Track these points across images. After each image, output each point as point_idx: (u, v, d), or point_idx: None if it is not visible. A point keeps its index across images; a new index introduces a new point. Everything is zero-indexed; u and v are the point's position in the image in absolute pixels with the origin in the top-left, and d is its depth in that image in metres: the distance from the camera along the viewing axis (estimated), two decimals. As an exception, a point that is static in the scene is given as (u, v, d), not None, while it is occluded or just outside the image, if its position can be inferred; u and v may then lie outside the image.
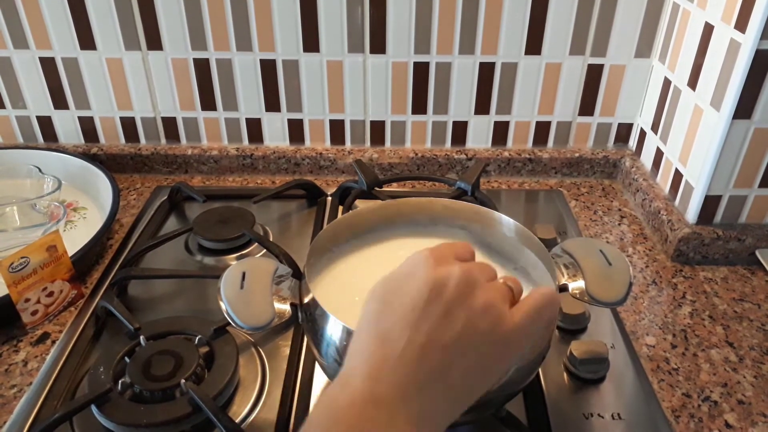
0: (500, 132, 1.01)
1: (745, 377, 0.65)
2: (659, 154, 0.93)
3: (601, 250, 0.56)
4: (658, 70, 0.93)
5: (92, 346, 0.67)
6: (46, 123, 1.01)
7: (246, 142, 1.02)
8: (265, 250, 0.80)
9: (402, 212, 0.65)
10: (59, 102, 0.98)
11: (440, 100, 0.97)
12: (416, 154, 1.01)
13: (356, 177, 0.90)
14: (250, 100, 0.98)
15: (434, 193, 0.96)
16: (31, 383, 0.63)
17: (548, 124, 1.00)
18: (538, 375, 0.63)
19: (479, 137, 1.01)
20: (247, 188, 0.99)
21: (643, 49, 0.94)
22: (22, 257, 0.67)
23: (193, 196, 0.90)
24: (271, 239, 0.84)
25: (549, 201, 0.96)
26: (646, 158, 0.97)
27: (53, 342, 0.68)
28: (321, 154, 1.01)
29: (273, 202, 0.92)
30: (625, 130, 1.02)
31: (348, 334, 0.48)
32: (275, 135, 1.01)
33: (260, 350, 0.66)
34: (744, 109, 0.73)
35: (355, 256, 0.62)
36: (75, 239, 0.78)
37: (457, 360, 0.37)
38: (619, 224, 0.91)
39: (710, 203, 0.81)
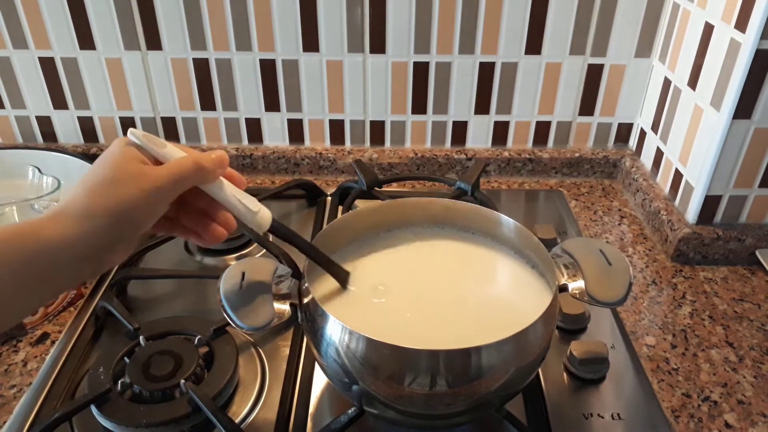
0: (500, 132, 1.01)
1: (745, 377, 0.65)
2: (659, 154, 0.93)
3: (601, 250, 0.56)
4: (658, 70, 0.93)
5: (92, 347, 0.67)
6: (45, 123, 1.01)
7: (245, 142, 1.02)
8: (264, 250, 0.80)
9: (402, 213, 0.65)
10: (59, 102, 0.98)
11: (440, 100, 0.97)
12: (416, 154, 1.01)
13: (356, 177, 0.90)
14: (249, 100, 0.98)
15: (434, 194, 0.95)
16: (30, 383, 0.62)
17: (548, 124, 1.00)
18: (538, 375, 0.63)
19: (479, 137, 1.01)
20: (246, 188, 0.98)
21: (643, 48, 0.93)
22: (21, 257, 0.66)
23: (192, 196, 0.90)
24: (270, 239, 0.84)
25: (549, 201, 0.96)
26: (646, 158, 0.97)
27: (53, 342, 0.68)
28: (321, 154, 1.01)
29: (272, 202, 0.92)
30: (625, 130, 1.02)
31: (348, 334, 0.48)
32: (275, 135, 1.01)
33: (260, 350, 0.66)
34: (744, 109, 0.73)
35: (354, 256, 0.62)
36: (74, 239, 0.78)
37: None
38: (619, 224, 0.91)
39: (710, 203, 0.81)
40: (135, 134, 0.47)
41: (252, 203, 0.51)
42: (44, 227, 0.43)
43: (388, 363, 0.48)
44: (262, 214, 0.51)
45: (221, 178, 0.50)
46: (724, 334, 0.71)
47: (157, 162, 0.47)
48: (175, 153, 0.48)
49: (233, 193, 0.50)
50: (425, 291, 0.58)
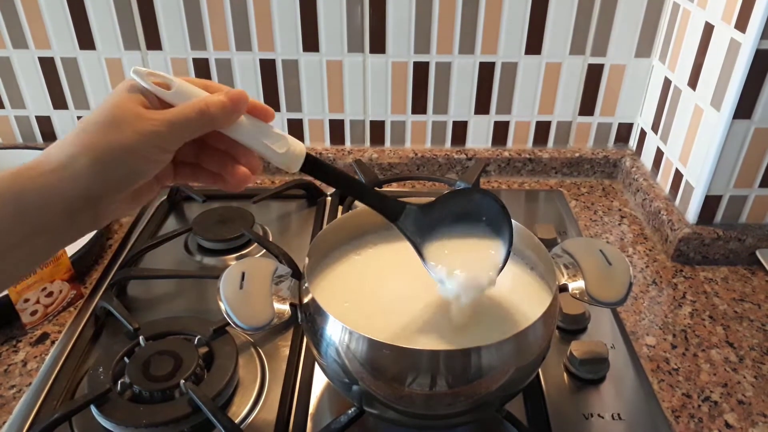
0: (500, 132, 1.01)
1: (745, 377, 0.65)
2: (659, 154, 0.93)
3: (601, 250, 0.56)
4: (659, 70, 0.93)
5: (91, 347, 0.67)
6: (45, 123, 1.01)
7: (246, 142, 1.02)
8: (264, 250, 0.80)
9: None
10: (58, 102, 0.98)
11: (440, 100, 0.97)
12: (416, 154, 1.01)
13: (356, 177, 0.90)
14: (249, 100, 0.97)
15: (434, 193, 0.95)
16: (30, 383, 0.62)
17: (548, 123, 1.00)
18: (538, 375, 0.62)
19: (479, 137, 1.01)
20: (246, 188, 0.98)
21: (644, 48, 0.93)
22: (21, 257, 0.66)
23: (192, 196, 0.90)
24: (270, 239, 0.84)
25: (549, 201, 0.96)
26: (647, 158, 0.97)
27: (52, 342, 0.68)
28: (320, 153, 1.01)
29: (272, 202, 0.92)
30: (625, 129, 1.01)
31: (348, 334, 0.48)
32: (275, 135, 1.01)
33: (260, 350, 0.66)
34: (744, 108, 0.73)
35: (354, 256, 0.62)
36: (74, 239, 0.78)
37: None
38: (620, 224, 0.91)
39: (710, 203, 0.81)
40: (139, 73, 0.43)
41: (278, 143, 0.45)
42: (22, 175, 0.40)
43: (388, 363, 0.48)
44: (291, 154, 0.46)
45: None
46: (725, 334, 0.71)
47: (165, 105, 0.43)
48: (183, 94, 0.43)
49: (255, 134, 0.45)
50: (425, 291, 0.58)
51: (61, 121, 1.00)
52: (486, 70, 0.95)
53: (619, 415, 0.59)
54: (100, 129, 0.41)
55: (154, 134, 0.41)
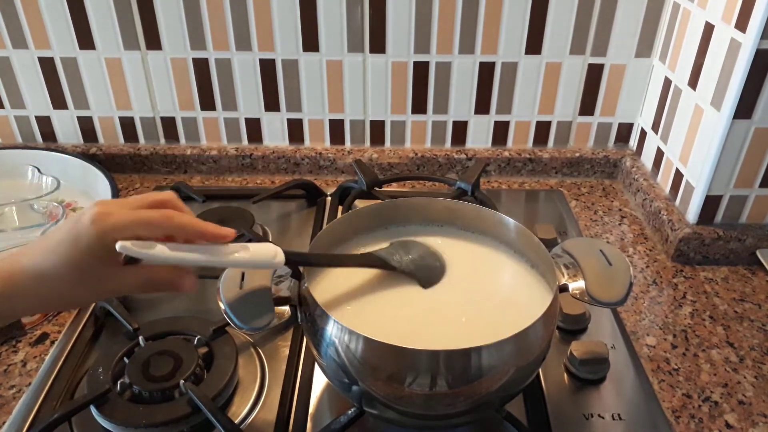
0: (500, 132, 1.01)
1: (745, 377, 0.65)
2: (660, 154, 0.92)
3: (601, 250, 0.56)
4: (659, 70, 0.93)
5: (91, 347, 0.67)
6: (45, 123, 1.00)
7: (245, 142, 1.02)
8: (264, 250, 0.79)
9: (401, 212, 0.65)
10: (58, 102, 0.98)
11: (440, 99, 0.97)
12: (416, 154, 1.01)
13: (356, 177, 0.90)
14: (249, 100, 0.97)
15: (434, 193, 0.95)
16: (30, 383, 0.62)
17: (548, 123, 1.00)
18: (538, 375, 0.62)
19: (479, 137, 1.01)
20: (246, 188, 0.98)
21: (644, 48, 0.93)
22: (20, 257, 0.66)
23: (192, 196, 0.90)
24: (270, 239, 0.84)
25: (549, 201, 0.96)
26: (647, 158, 0.97)
27: (52, 342, 0.68)
28: (320, 154, 1.00)
29: (272, 202, 0.92)
30: (625, 129, 1.01)
31: (348, 334, 0.48)
32: (274, 135, 1.01)
33: (259, 351, 0.66)
34: (744, 108, 0.73)
35: (354, 256, 0.62)
36: (74, 239, 0.78)
37: None
38: (620, 224, 0.91)
39: (711, 203, 0.81)
40: (126, 249, 0.44)
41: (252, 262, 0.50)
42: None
43: (388, 363, 0.48)
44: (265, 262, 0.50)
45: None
46: (725, 334, 0.71)
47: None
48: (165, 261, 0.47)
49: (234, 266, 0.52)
50: (425, 291, 0.58)
51: (61, 121, 1.00)
52: (486, 70, 0.95)
53: (619, 415, 0.59)
54: (70, 286, 0.46)
55: (121, 292, 0.49)
